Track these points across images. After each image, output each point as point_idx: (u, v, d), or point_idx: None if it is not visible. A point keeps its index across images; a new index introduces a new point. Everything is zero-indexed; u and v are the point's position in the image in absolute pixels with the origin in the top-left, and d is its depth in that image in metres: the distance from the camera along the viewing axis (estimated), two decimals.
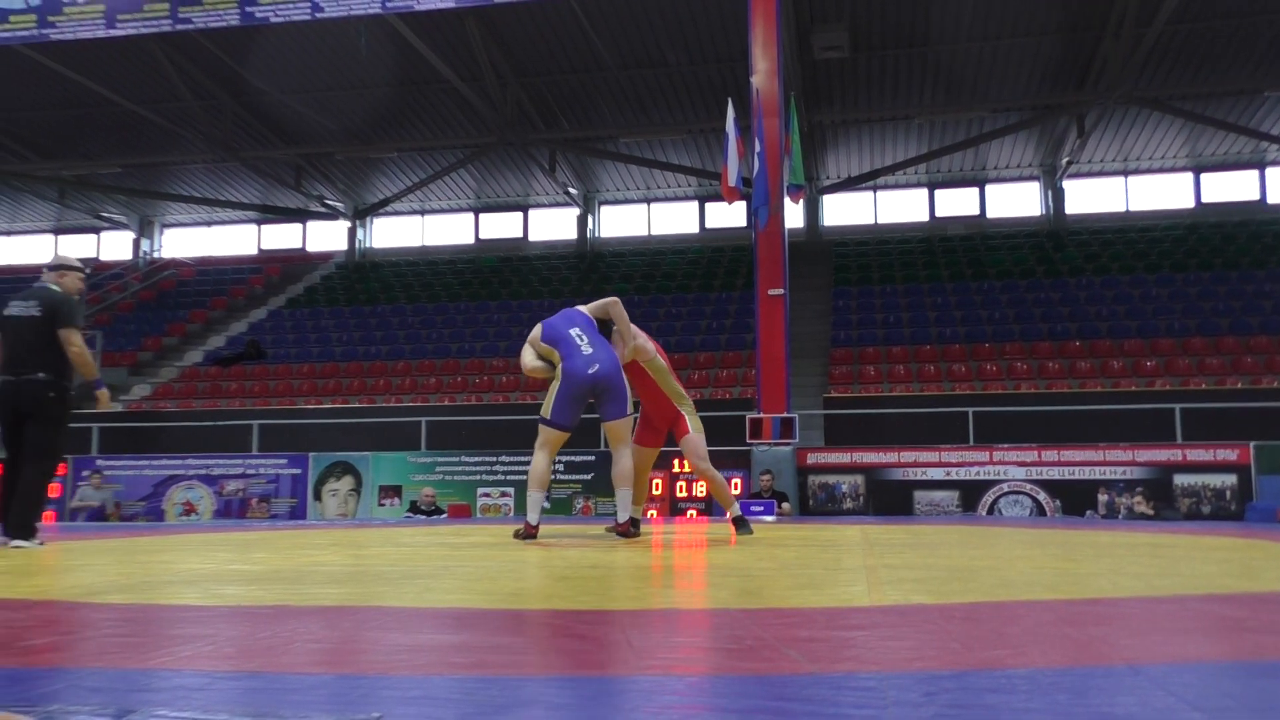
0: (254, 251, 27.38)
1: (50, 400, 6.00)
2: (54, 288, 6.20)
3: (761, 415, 11.88)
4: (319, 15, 13.92)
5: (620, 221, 25.75)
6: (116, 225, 27.83)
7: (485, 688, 1.79)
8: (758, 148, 11.74)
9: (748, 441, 11.93)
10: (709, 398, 16.27)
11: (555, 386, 5.93)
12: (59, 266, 6.35)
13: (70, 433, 6.23)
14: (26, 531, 5.77)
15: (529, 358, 6.10)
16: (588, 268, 23.63)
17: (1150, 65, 18.47)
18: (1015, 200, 24.19)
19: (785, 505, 11.32)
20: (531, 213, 26.09)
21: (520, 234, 26.03)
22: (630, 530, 6.07)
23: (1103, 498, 11.83)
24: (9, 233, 28.54)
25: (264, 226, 27.47)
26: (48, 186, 25.11)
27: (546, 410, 5.98)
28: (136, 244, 27.72)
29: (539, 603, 3.08)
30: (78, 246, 28.39)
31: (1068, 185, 23.57)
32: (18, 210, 27.31)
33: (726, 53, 18.34)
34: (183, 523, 13.14)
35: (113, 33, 14.44)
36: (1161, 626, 2.59)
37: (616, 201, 25.61)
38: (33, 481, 5.93)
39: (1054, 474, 12.16)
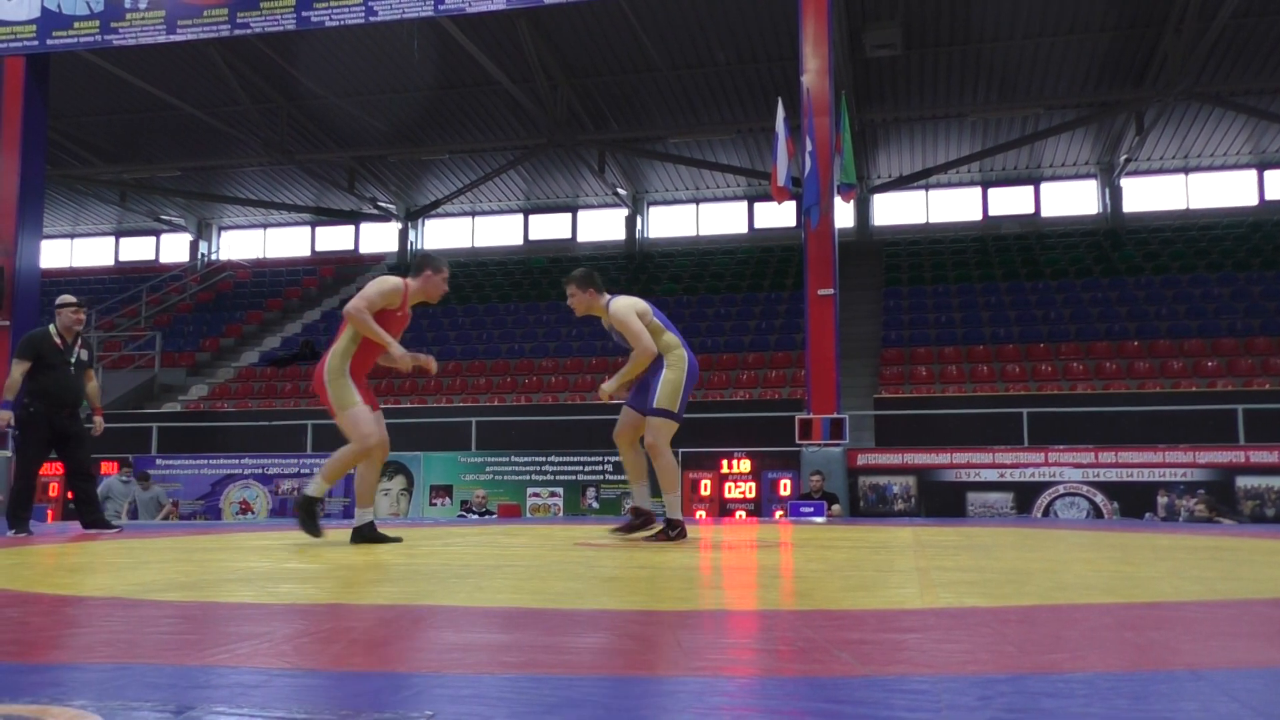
0: (308, 253, 27.79)
1: (18, 417, 7.34)
2: (49, 326, 7.29)
3: (811, 416, 11.81)
4: (372, 19, 14.07)
5: (669, 222, 25.75)
6: (175, 228, 28.39)
7: (536, 687, 1.79)
8: (808, 147, 11.68)
9: (797, 442, 11.87)
10: (758, 398, 16.22)
11: (671, 377, 5.57)
12: (56, 305, 7.35)
13: (29, 443, 7.20)
14: (11, 522, 7.12)
15: (639, 325, 5.60)
16: (636, 268, 23.66)
17: (1212, 61, 18.07)
18: (1071, 198, 23.81)
19: (835, 507, 11.24)
20: (580, 214, 26.18)
21: (569, 235, 26.13)
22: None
23: (1162, 500, 11.60)
24: (72, 235, 29.23)
25: (318, 229, 27.88)
26: (109, 190, 25.70)
27: (671, 402, 5.55)
28: (194, 246, 28.26)
29: (589, 603, 3.09)
30: (138, 249, 29.02)
31: (1126, 183, 23.15)
32: (80, 213, 27.96)
33: (776, 52, 18.26)
34: (239, 521, 13.36)
35: (173, 38, 14.72)
36: (1224, 631, 2.53)
37: (665, 202, 25.62)
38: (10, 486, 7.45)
39: (1111, 476, 11.94)
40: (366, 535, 5.45)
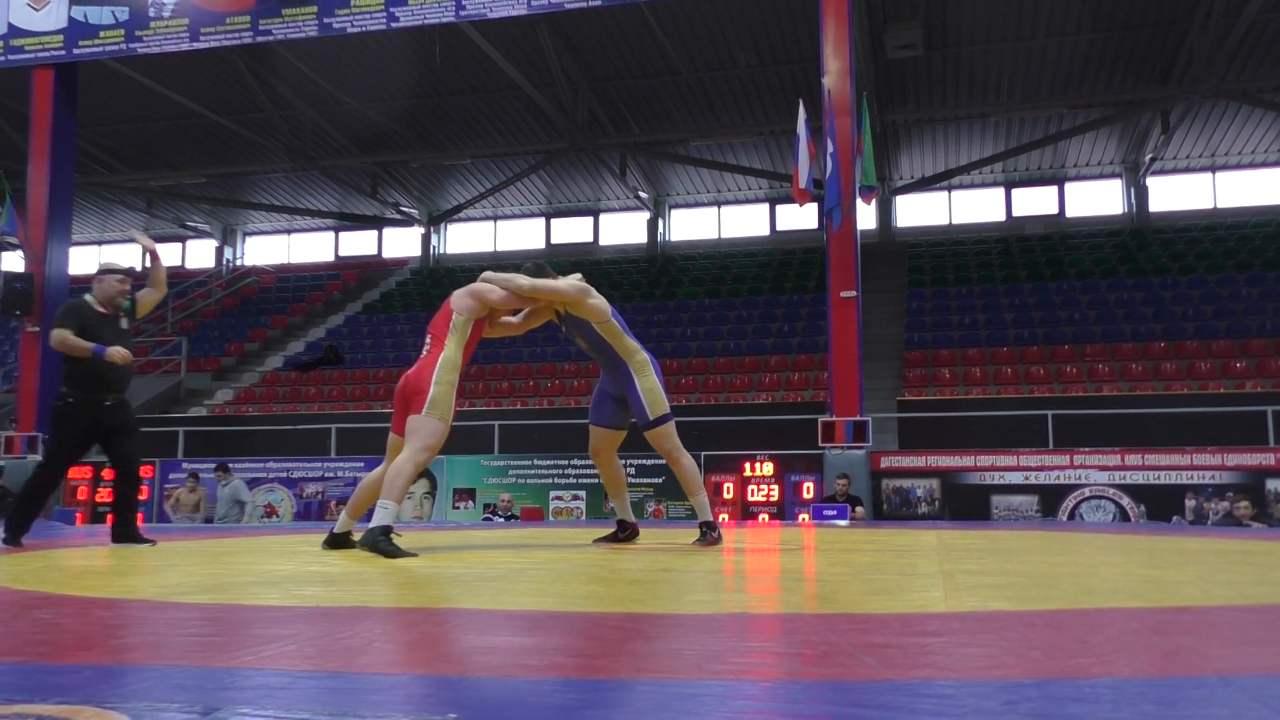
0: (331, 258, 27.96)
1: (52, 409, 6.21)
2: (84, 296, 6.29)
3: (834, 418, 11.77)
4: (394, 25, 14.16)
5: (691, 225, 25.74)
6: (201, 234, 28.64)
7: (559, 690, 1.79)
8: (830, 149, 11.65)
9: (820, 445, 11.83)
10: (781, 400, 16.18)
11: (648, 384, 5.54)
12: (95, 274, 6.40)
13: (63, 441, 6.11)
14: (7, 535, 5.97)
15: (564, 283, 5.58)
16: (658, 271, 23.66)
17: (1240, 57, 17.89)
18: (1096, 198, 23.62)
19: (859, 509, 11.19)
20: (602, 217, 26.21)
21: (591, 238, 26.17)
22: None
23: (1190, 503, 11.48)
24: (100, 241, 29.54)
25: (341, 234, 28.05)
26: (136, 196, 25.95)
27: (663, 406, 5.53)
28: (220, 252, 28.50)
29: (612, 606, 3.09)
30: (164, 255, 29.15)
31: (1151, 182, 22.94)
32: (108, 220, 28.25)
33: (797, 53, 18.22)
34: (264, 524, 13.44)
35: (196, 45, 14.87)
36: (1254, 636, 2.50)
37: (687, 205, 25.62)
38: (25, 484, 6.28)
39: (1138, 478, 11.83)
40: (341, 542, 5.36)
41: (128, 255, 29.51)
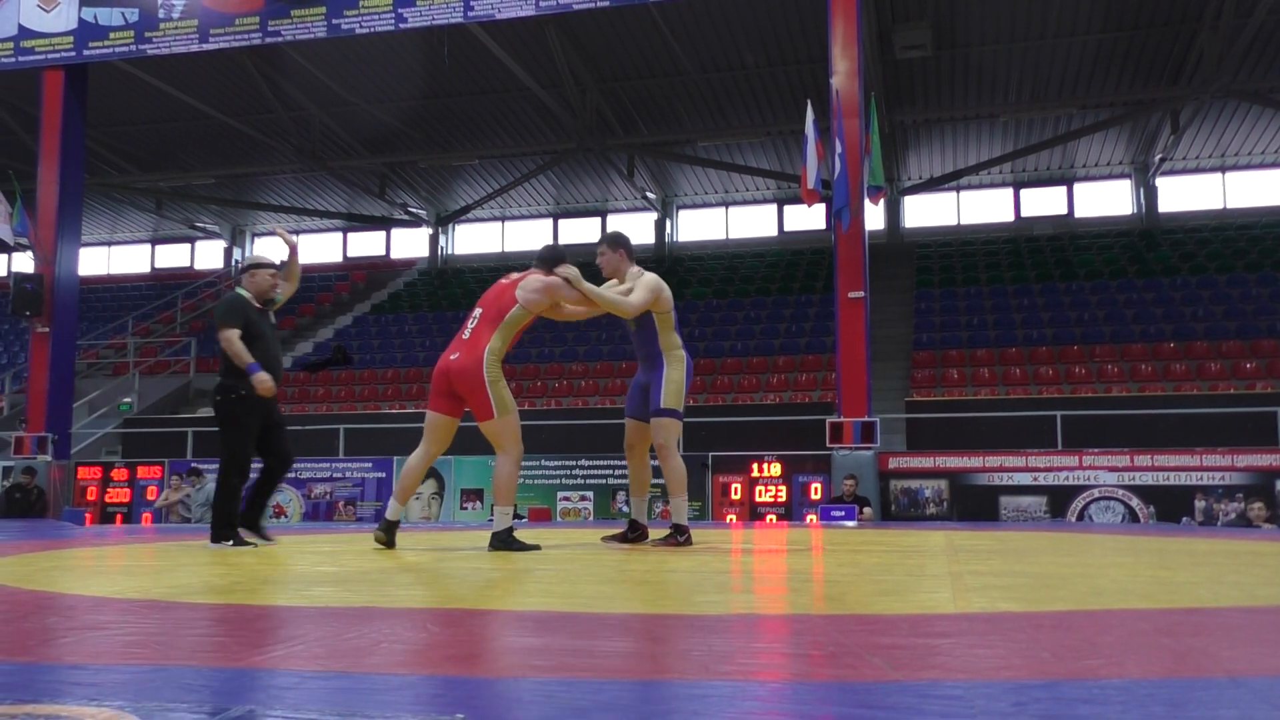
0: (339, 259, 28.02)
1: (215, 403, 6.07)
2: (238, 290, 6.20)
3: (842, 419, 11.76)
4: (403, 26, 14.19)
5: (698, 225, 25.73)
6: (210, 235, 28.71)
7: (566, 690, 1.80)
8: (838, 149, 11.64)
9: (828, 445, 11.82)
10: (789, 401, 16.16)
11: (674, 376, 5.60)
12: (245, 268, 6.33)
13: (248, 433, 6.10)
14: (215, 534, 5.93)
15: (643, 295, 5.61)
16: (666, 272, 23.62)
17: (1250, 57, 17.82)
18: (1105, 199, 23.55)
19: (867, 510, 11.17)
20: (610, 217, 26.22)
21: (598, 239, 26.14)
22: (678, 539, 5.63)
23: (1199, 504, 11.44)
24: (110, 243, 29.63)
25: (349, 234, 28.10)
26: (146, 198, 26.03)
27: (677, 401, 5.58)
28: (228, 253, 28.57)
29: (620, 606, 3.09)
30: (173, 256, 29.37)
31: (1161, 182, 22.87)
32: (118, 221, 28.34)
33: (806, 54, 18.20)
34: (272, 525, 13.46)
35: (205, 47, 14.91)
36: (1264, 638, 2.49)
37: (694, 205, 25.61)
38: (215, 488, 6.16)
39: (1147, 479, 11.79)
40: (391, 529, 5.51)
41: (134, 256, 29.61)
